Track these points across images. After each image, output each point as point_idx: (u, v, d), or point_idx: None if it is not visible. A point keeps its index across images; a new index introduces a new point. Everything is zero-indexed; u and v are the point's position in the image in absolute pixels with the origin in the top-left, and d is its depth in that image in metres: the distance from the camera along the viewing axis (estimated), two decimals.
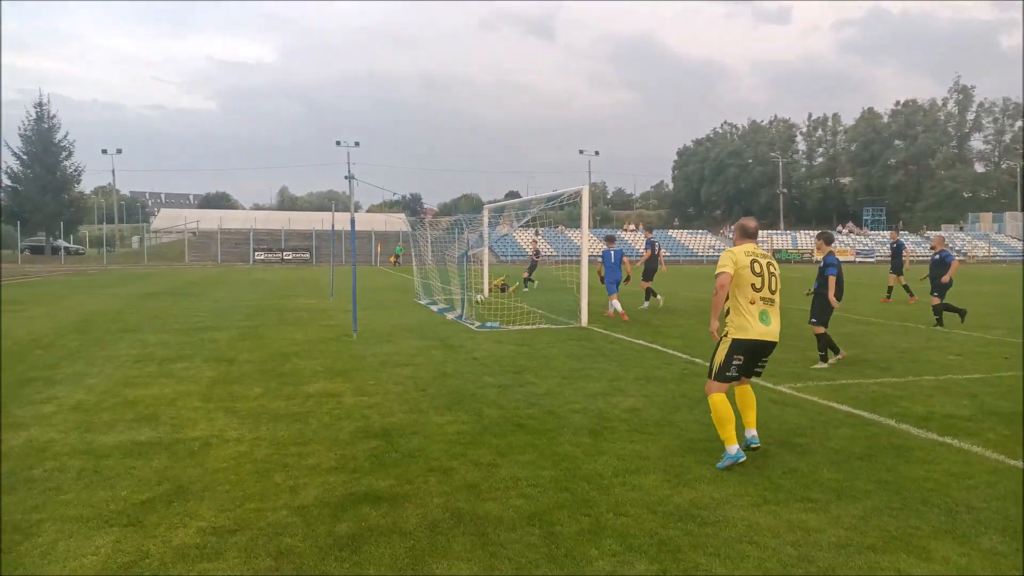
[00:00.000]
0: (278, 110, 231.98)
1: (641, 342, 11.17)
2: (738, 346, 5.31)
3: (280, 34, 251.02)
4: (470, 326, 13.15)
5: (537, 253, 25.36)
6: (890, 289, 19.72)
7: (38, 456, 5.25)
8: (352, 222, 12.09)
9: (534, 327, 13.02)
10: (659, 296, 17.02)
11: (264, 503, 4.36)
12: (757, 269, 5.33)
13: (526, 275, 23.73)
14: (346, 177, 13.60)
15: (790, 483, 4.81)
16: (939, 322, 13.53)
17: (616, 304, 14.33)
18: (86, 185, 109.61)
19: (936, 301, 13.70)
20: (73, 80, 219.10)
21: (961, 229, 75.04)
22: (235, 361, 9.40)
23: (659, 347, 10.63)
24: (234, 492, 4.54)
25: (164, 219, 77.87)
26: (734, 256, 5.37)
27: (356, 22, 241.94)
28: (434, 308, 16.48)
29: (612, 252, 14.91)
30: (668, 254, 15.91)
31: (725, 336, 5.41)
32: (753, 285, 5.28)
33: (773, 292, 5.41)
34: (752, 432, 5.42)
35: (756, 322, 5.28)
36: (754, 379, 5.79)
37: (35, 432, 5.88)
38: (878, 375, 8.71)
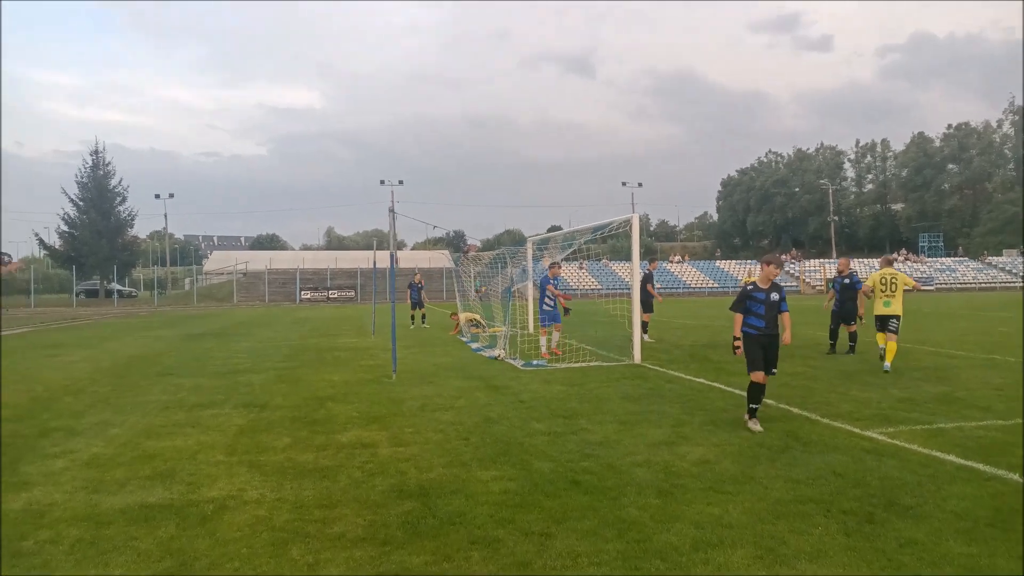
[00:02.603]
0: (326, 153, 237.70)
1: (702, 380, 10.28)
2: None
3: (329, 81, 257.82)
4: (515, 364, 12.42)
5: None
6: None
7: (34, 523, 4.67)
8: (392, 258, 11.58)
9: (584, 365, 12.22)
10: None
11: None
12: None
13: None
14: (391, 212, 13.32)
15: (912, 559, 3.92)
16: (851, 349, 13.69)
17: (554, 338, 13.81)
18: (142, 230, 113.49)
19: (852, 328, 13.78)
20: (132, 130, 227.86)
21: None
22: (267, 407, 8.82)
23: (723, 386, 9.72)
24: (243, 570, 3.86)
25: (216, 261, 79.56)
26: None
27: (402, 67, 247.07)
28: (472, 347, 15.80)
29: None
30: (661, 287, 15.26)
31: None
32: None
33: None
34: None
35: None
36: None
37: (38, 493, 5.32)
38: (979, 416, 7.68)
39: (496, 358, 13.28)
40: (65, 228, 54.92)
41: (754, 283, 7.50)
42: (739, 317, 7.50)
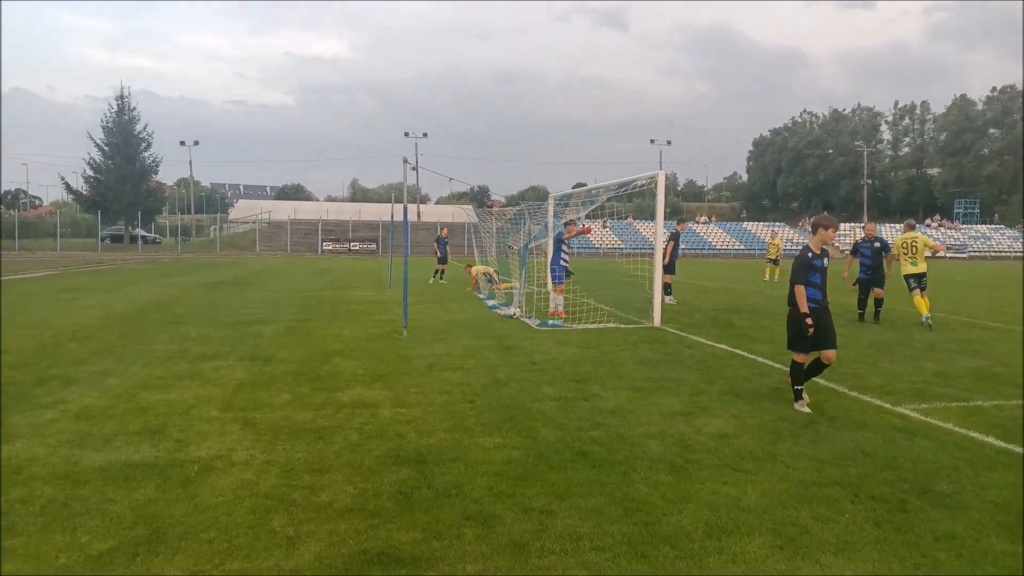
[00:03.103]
0: (354, 105, 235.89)
1: (723, 347, 9.85)
2: None
3: (357, 31, 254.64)
4: (530, 323, 12.08)
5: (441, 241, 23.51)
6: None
7: (9, 479, 4.44)
8: (405, 211, 11.16)
9: (601, 326, 11.85)
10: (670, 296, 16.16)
11: (249, 561, 3.39)
12: None
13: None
14: (405, 162, 12.70)
15: (949, 556, 3.55)
16: (877, 316, 13.18)
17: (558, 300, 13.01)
18: (169, 177, 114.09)
19: (880, 293, 13.19)
20: (162, 77, 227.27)
21: None
22: (272, 360, 8.58)
23: (745, 354, 9.30)
24: (218, 542, 3.58)
25: (241, 210, 79.73)
26: None
27: (431, 18, 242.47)
28: (489, 304, 15.46)
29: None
30: (686, 248, 15.23)
31: None
32: None
33: None
34: None
35: None
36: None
37: (21, 446, 5.10)
38: (1020, 394, 7.20)
39: (511, 316, 12.94)
40: (91, 173, 55.13)
41: (809, 248, 6.65)
42: (802, 289, 6.50)
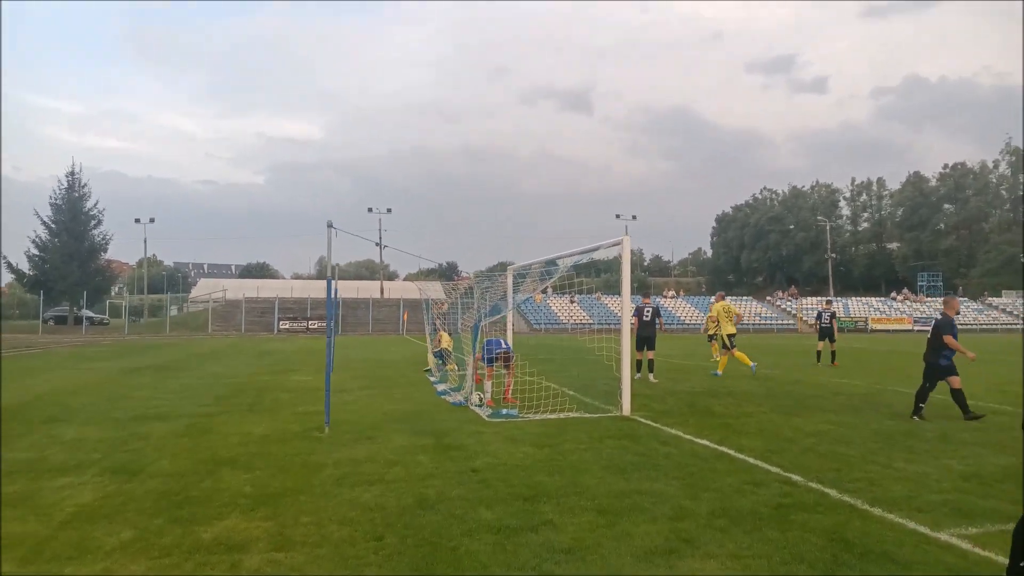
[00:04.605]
0: (324, 183, 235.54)
1: (705, 443, 8.24)
2: None
3: (328, 112, 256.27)
4: (480, 412, 10.39)
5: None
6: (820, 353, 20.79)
7: None
8: (329, 284, 9.58)
9: (561, 416, 10.19)
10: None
11: None
12: None
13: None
14: (330, 226, 11.30)
15: None
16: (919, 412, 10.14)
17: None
18: (132, 256, 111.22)
19: (957, 383, 10.12)
20: (131, 157, 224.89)
21: None
22: (140, 474, 6.75)
23: (733, 453, 7.68)
24: None
25: (202, 288, 77.43)
26: None
27: (401, 100, 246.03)
28: (438, 388, 13.75)
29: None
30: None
31: None
32: None
33: None
34: None
35: None
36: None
37: None
38: None
39: (464, 404, 11.27)
40: (35, 252, 52.71)
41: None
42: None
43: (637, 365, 15.52)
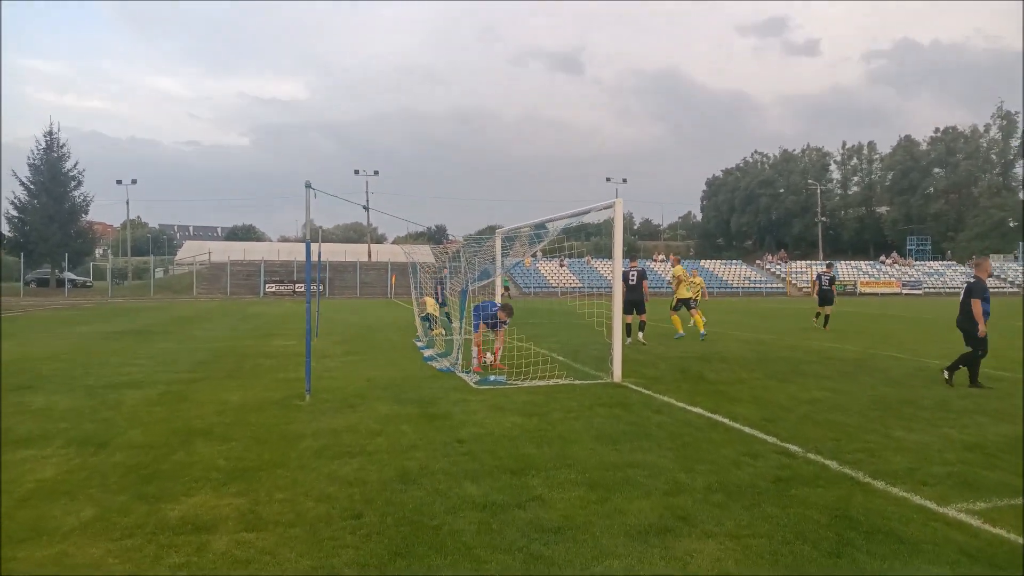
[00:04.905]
0: (310, 145, 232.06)
1: (699, 411, 7.99)
2: None
3: (313, 73, 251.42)
4: (467, 380, 10.10)
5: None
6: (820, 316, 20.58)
7: None
8: (307, 246, 9.15)
9: (550, 383, 9.92)
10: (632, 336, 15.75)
11: None
12: None
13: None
14: (308, 186, 10.87)
15: None
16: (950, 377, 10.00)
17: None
18: (116, 218, 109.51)
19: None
20: (113, 118, 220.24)
21: (1016, 259, 70.44)
22: (108, 445, 6.42)
23: (728, 421, 7.43)
24: None
25: (187, 251, 76.39)
26: None
27: (388, 62, 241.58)
28: (425, 354, 13.45)
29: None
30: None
31: None
32: None
33: None
34: None
35: None
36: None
37: None
38: None
39: (451, 370, 11.00)
40: (14, 213, 51.62)
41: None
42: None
43: (627, 329, 15.33)
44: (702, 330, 16.92)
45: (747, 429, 7.05)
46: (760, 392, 9.25)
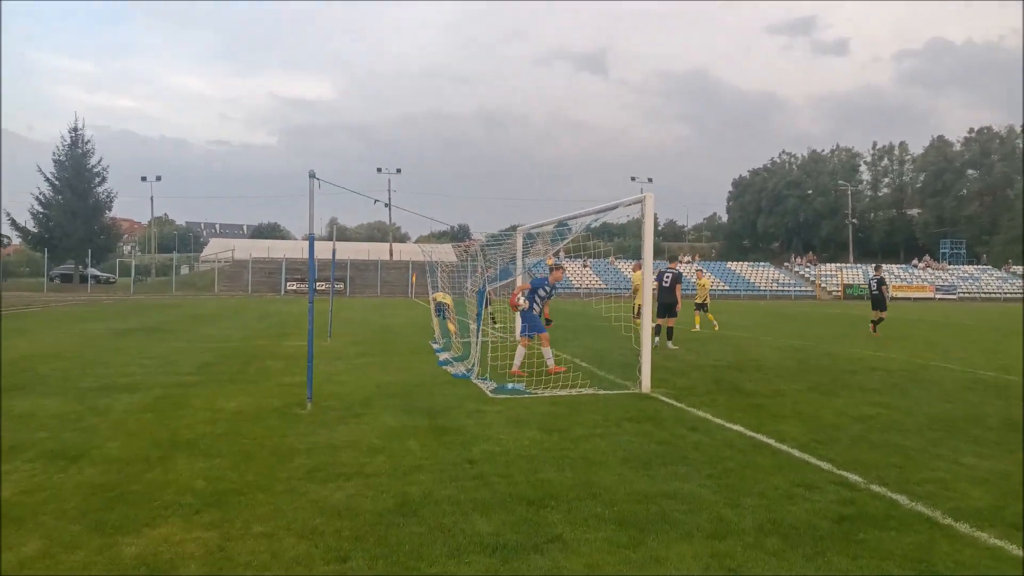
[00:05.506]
0: (337, 145, 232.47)
1: (738, 428, 7.18)
2: None
3: (341, 74, 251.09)
4: (483, 387, 9.38)
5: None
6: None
7: None
8: (311, 240, 8.47)
9: (573, 392, 9.16)
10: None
11: None
12: None
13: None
14: (312, 176, 10.40)
15: None
16: None
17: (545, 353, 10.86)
18: (145, 215, 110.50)
19: None
20: (143, 117, 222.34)
21: None
22: (80, 459, 5.78)
23: (773, 443, 6.61)
24: None
25: (214, 247, 76.70)
26: None
27: (415, 63, 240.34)
28: (440, 357, 12.76)
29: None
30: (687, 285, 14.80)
31: None
32: None
33: None
34: None
35: None
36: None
37: None
38: None
39: (468, 376, 10.30)
40: (39, 208, 51.89)
41: None
42: None
43: (656, 330, 14.66)
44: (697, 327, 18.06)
45: (796, 452, 6.23)
46: (804, 407, 8.40)
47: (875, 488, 5.24)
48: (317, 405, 8.03)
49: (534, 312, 10.90)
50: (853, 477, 5.49)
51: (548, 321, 12.14)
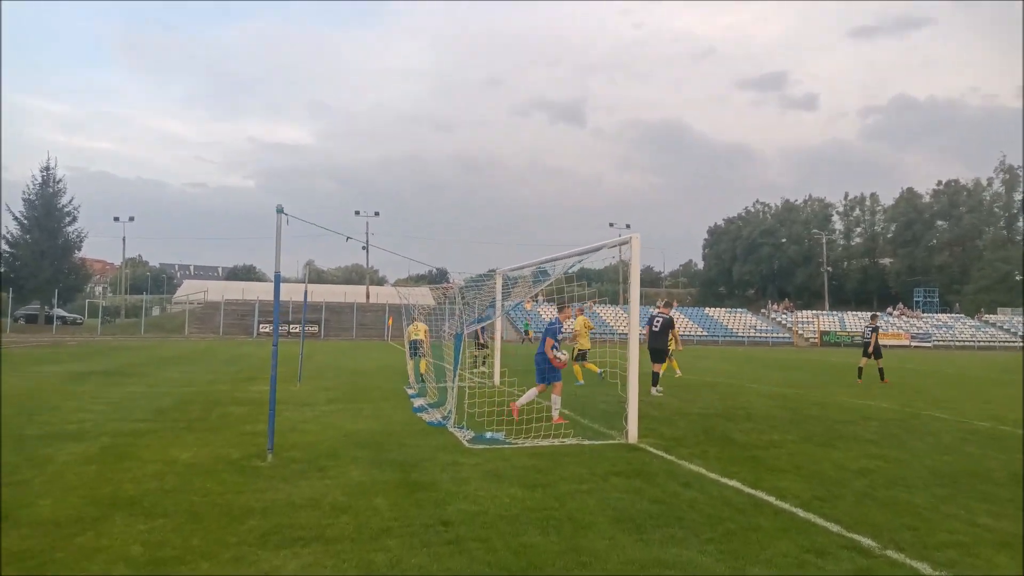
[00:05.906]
0: (315, 188, 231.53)
1: (735, 484, 6.66)
2: None
3: (320, 119, 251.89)
4: (460, 436, 8.79)
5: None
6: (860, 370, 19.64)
7: None
8: (277, 279, 7.91)
9: (556, 443, 8.61)
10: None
11: None
12: None
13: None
14: (279, 211, 9.99)
15: None
16: None
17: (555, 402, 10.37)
18: (117, 256, 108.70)
19: None
20: (120, 159, 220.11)
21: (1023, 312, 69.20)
22: (7, 520, 5.11)
23: (774, 500, 6.10)
24: None
25: (187, 289, 75.36)
26: None
27: (394, 109, 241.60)
28: (416, 403, 12.16)
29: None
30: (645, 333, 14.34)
31: None
32: None
33: None
34: None
35: None
36: None
37: None
38: None
39: (443, 424, 9.71)
40: (6, 248, 50.59)
41: None
42: None
43: (654, 379, 14.32)
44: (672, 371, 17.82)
45: (800, 512, 5.72)
46: (801, 460, 7.91)
47: (891, 554, 4.76)
48: (279, 456, 7.40)
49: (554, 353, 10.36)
50: (866, 541, 5.00)
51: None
